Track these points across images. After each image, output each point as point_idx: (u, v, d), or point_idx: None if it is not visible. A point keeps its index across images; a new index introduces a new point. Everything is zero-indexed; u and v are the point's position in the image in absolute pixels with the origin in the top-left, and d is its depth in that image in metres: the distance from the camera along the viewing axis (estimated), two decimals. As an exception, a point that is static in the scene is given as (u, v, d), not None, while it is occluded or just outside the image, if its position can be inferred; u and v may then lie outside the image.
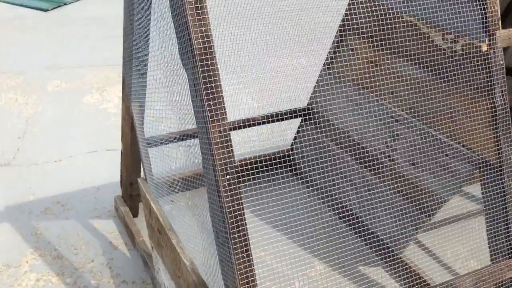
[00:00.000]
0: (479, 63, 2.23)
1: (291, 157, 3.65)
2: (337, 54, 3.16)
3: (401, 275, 2.88)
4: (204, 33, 1.75)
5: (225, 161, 1.81)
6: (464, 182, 2.55)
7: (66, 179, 3.79)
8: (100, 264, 3.05)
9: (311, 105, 3.44)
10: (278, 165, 3.52)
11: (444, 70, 2.35)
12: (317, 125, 3.43)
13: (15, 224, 3.33)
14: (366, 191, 3.08)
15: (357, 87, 3.00)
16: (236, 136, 3.66)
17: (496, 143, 2.29)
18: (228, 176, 1.82)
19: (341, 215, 3.17)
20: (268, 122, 3.50)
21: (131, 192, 3.22)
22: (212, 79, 1.77)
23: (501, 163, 2.28)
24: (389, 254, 2.93)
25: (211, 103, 1.77)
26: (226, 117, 1.80)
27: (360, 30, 2.85)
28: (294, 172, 3.61)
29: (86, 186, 3.71)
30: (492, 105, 2.25)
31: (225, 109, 1.80)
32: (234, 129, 3.46)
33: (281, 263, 2.98)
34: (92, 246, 3.18)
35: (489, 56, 2.22)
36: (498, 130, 2.27)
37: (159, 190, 2.66)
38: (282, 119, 3.46)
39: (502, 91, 2.24)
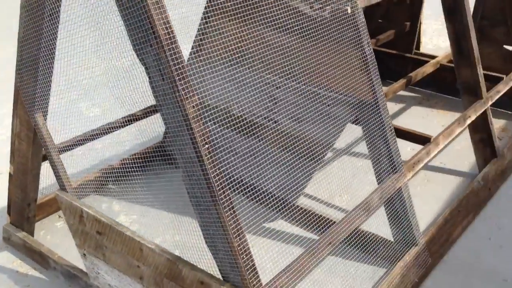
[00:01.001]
0: (347, 23, 2.74)
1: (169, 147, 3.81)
2: (204, 36, 3.43)
3: (304, 220, 3.31)
4: (165, 19, 1.91)
5: (203, 132, 2.01)
6: (345, 124, 3.07)
7: None
8: (19, 293, 2.90)
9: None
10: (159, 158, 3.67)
11: (316, 34, 2.80)
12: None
13: None
14: (253, 157, 3.43)
15: (229, 64, 3.30)
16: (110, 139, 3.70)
17: (370, 85, 2.83)
18: (207, 146, 2.02)
19: (231, 185, 3.46)
20: (138, 119, 3.61)
21: (28, 214, 3.08)
22: (179, 60, 1.94)
23: (376, 100, 2.84)
24: (287, 206, 3.33)
25: (182, 82, 1.95)
26: (194, 93, 2.00)
27: (225, 9, 3.12)
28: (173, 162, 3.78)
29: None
30: (363, 54, 2.79)
31: (192, 86, 1.99)
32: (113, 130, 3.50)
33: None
34: (0, 280, 2.98)
35: (355, 16, 2.75)
36: (370, 73, 2.82)
37: (83, 190, 2.68)
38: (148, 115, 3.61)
39: (368, 42, 2.80)
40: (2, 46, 6.31)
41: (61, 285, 2.95)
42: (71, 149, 2.87)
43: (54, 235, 3.30)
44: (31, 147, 2.79)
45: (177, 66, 1.94)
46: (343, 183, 3.74)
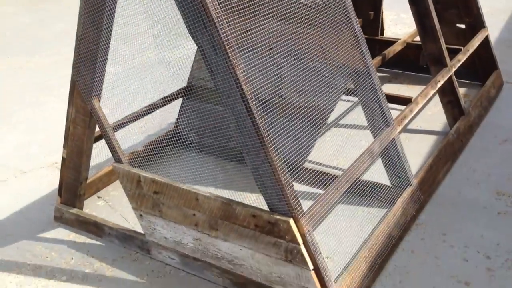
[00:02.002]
0: (338, 6, 3.35)
1: (183, 131, 4.34)
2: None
3: (312, 179, 3.87)
4: (214, 2, 2.47)
5: (251, 91, 2.57)
6: (342, 92, 3.67)
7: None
8: (81, 257, 3.37)
9: (191, 82, 4.20)
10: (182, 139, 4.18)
11: (313, 19, 3.40)
12: (201, 97, 4.21)
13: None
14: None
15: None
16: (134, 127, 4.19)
17: (361, 57, 3.45)
18: (254, 102, 2.58)
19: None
20: (155, 108, 4.12)
21: (80, 192, 3.56)
22: (228, 37, 2.50)
23: (368, 68, 3.46)
24: (297, 168, 3.90)
25: (233, 53, 2.51)
26: (241, 62, 2.56)
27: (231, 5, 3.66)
28: (188, 144, 4.31)
29: (6, 215, 3.82)
30: (353, 31, 3.40)
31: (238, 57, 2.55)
32: (130, 122, 4.01)
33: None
34: (61, 250, 3.44)
35: (343, 0, 3.36)
36: (361, 47, 3.43)
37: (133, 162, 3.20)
38: (170, 102, 4.14)
39: (356, 21, 3.42)
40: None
41: (117, 248, 3.44)
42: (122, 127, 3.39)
43: (99, 212, 3.77)
44: (86, 130, 3.28)
45: (227, 41, 2.50)
46: (337, 148, 4.36)
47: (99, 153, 3.86)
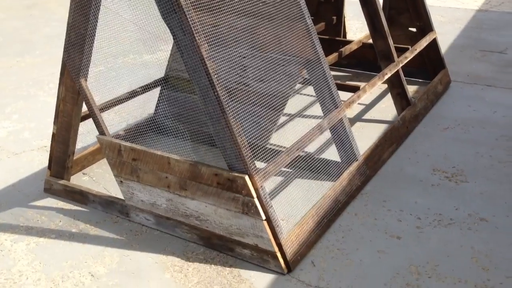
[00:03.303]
0: (292, 2, 3.91)
1: (160, 118, 4.85)
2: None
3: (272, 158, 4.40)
4: (184, -4, 3.00)
5: (213, 66, 3.10)
6: (298, 79, 4.21)
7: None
8: (69, 221, 3.85)
9: (168, 73, 4.73)
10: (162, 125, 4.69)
11: (271, 14, 3.95)
12: (176, 87, 4.73)
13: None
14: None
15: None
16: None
17: (313, 47, 4.00)
18: (216, 76, 3.11)
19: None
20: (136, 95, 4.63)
21: (68, 165, 4.05)
22: (194, 20, 3.03)
23: (319, 57, 4.01)
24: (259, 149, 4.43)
25: (198, 34, 3.04)
26: (205, 42, 3.09)
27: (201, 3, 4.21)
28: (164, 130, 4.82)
29: (0, 188, 4.30)
30: (306, 25, 3.96)
31: (204, 37, 3.08)
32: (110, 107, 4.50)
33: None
34: (50, 215, 3.92)
35: (297, -2, 3.93)
36: (313, 39, 3.99)
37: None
38: (147, 91, 4.66)
39: (308, 16, 3.97)
40: None
41: (100, 213, 3.93)
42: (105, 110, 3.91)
43: (84, 185, 4.26)
44: (75, 106, 3.78)
45: (194, 24, 3.03)
46: (297, 135, 4.89)
47: (83, 139, 4.39)
